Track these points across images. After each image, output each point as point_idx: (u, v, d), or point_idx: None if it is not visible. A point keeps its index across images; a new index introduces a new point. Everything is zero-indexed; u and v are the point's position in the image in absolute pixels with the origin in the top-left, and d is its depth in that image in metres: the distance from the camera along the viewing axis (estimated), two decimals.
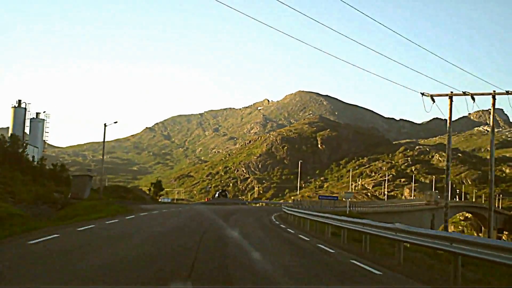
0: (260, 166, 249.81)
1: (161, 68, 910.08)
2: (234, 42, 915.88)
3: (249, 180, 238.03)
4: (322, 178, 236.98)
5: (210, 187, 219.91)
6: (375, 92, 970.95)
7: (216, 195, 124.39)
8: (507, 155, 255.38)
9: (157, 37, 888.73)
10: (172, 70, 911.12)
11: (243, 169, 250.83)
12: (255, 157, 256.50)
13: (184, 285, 11.07)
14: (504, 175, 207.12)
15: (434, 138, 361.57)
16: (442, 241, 13.78)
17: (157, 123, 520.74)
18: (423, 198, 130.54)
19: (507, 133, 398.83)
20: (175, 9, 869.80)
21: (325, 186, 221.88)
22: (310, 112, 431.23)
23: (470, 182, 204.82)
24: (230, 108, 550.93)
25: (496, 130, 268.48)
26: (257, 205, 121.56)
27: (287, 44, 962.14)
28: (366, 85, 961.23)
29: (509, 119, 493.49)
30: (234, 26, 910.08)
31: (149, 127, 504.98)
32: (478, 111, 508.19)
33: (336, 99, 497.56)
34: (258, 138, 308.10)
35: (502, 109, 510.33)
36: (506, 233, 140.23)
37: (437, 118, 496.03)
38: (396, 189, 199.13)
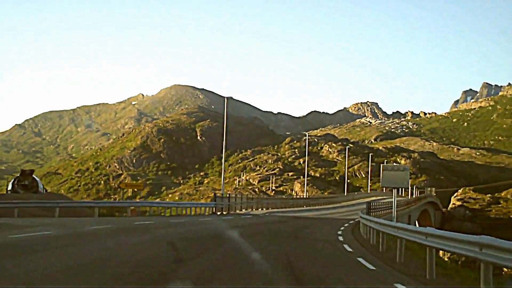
0: (134, 161, 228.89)
1: (31, 63, 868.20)
2: (106, 36, 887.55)
3: (122, 176, 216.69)
4: (202, 173, 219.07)
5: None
6: (253, 85, 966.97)
7: (9, 186, 57.52)
8: (401, 145, 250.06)
9: (26, 30, 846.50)
10: (42, 64, 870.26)
11: (116, 164, 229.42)
12: (128, 151, 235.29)
13: (183, 285, 11.46)
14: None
15: (315, 131, 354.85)
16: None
17: (27, 119, 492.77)
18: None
19: (390, 124, 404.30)
20: (36, 1, 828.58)
21: (205, 182, 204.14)
22: (186, 106, 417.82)
23: (364, 175, 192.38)
24: (103, 103, 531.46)
25: (378, 122, 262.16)
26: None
27: (160, 36, 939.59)
28: (243, 79, 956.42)
29: (386, 112, 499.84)
30: (103, 18, 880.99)
31: (19, 124, 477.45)
32: (357, 104, 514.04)
33: (213, 92, 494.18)
34: (132, 130, 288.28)
35: (377, 103, 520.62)
36: None
37: (315, 111, 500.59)
38: (285, 184, 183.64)
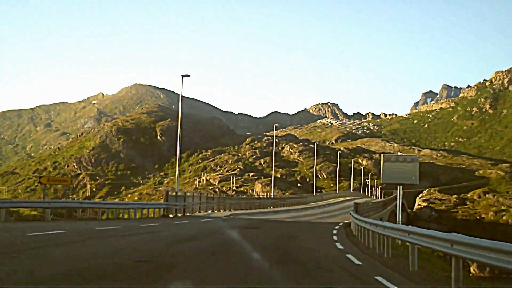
0: (93, 160, 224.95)
1: None
2: (66, 35, 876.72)
3: (80, 176, 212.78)
4: (162, 173, 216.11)
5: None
6: (214, 85, 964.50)
7: None
8: (362, 146, 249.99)
9: None
10: (0, 63, 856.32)
11: (74, 164, 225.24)
12: (87, 151, 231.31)
13: (183, 285, 11.31)
14: (360, 167, 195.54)
15: (276, 131, 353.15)
16: None
17: None
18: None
19: (350, 125, 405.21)
20: None
21: (165, 182, 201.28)
22: (147, 105, 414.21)
23: (325, 176, 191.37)
24: (63, 102, 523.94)
25: (339, 123, 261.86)
26: None
27: (121, 35, 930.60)
28: (204, 79, 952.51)
29: (347, 113, 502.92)
30: (63, 17, 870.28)
31: None
32: (318, 105, 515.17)
33: (174, 92, 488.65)
34: (91, 130, 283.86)
35: (337, 104, 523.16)
36: None
37: (276, 111, 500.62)
38: (245, 184, 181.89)
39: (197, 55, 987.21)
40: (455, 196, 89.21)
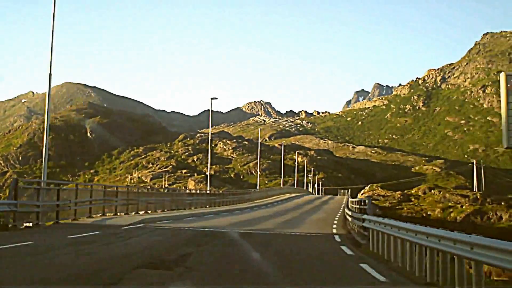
0: (21, 158, 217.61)
1: None
2: None
3: (7, 174, 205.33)
4: (92, 171, 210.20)
5: None
6: (146, 84, 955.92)
7: None
8: (296, 143, 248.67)
9: None
10: None
11: (1, 162, 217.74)
12: (15, 148, 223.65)
13: (183, 285, 10.73)
14: (296, 163, 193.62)
15: (209, 129, 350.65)
16: None
17: None
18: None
19: (284, 123, 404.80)
20: None
21: (95, 179, 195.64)
22: (78, 104, 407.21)
23: (260, 172, 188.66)
24: None
25: (272, 120, 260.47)
26: None
27: (51, 33, 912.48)
28: (136, 77, 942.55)
29: (280, 111, 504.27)
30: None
31: None
32: (250, 103, 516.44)
33: (105, 90, 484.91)
34: (19, 127, 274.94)
35: (270, 103, 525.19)
36: None
37: (208, 110, 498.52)
38: (178, 181, 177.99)
39: (131, 54, 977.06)
40: (399, 192, 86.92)
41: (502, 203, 70.22)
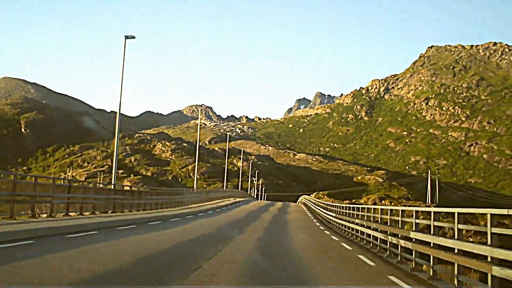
0: None
1: None
2: None
3: None
4: (25, 168, 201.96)
5: None
6: (88, 83, 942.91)
7: None
8: (236, 148, 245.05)
9: None
10: None
11: None
12: None
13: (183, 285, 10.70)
14: (236, 168, 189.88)
15: (149, 130, 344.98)
16: None
17: None
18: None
19: (225, 127, 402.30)
20: None
21: (28, 178, 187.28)
22: (14, 98, 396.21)
23: (198, 176, 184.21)
24: None
25: (213, 124, 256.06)
26: None
27: None
28: (77, 75, 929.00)
29: (221, 116, 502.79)
30: None
31: None
32: (191, 106, 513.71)
33: (45, 87, 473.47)
34: None
35: (211, 107, 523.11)
36: None
37: (149, 111, 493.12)
38: (152, 188, 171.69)
39: (72, 51, 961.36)
40: (347, 201, 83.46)
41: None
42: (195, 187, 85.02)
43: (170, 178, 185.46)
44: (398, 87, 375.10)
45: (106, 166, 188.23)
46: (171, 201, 53.85)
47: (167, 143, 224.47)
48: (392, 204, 74.09)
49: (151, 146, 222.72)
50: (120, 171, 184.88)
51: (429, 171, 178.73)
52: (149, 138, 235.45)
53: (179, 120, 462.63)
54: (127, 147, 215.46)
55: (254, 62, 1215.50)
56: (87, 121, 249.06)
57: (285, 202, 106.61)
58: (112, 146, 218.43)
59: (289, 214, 55.85)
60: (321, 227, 36.76)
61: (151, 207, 45.94)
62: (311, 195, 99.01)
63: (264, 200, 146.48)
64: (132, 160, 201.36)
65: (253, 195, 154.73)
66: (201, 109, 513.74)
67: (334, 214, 38.89)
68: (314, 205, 66.08)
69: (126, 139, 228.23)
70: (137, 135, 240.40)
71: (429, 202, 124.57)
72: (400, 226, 19.19)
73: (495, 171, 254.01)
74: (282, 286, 11.32)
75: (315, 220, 45.93)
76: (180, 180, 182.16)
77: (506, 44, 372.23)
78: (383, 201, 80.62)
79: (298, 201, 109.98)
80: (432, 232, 15.04)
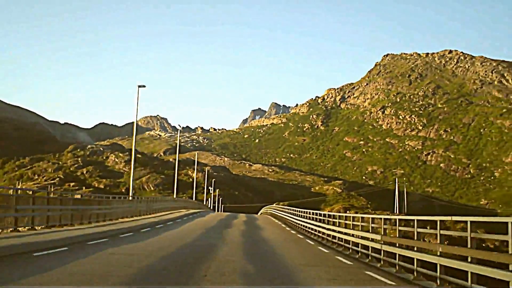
0: None
1: None
2: None
3: None
4: None
5: None
6: (39, 94, 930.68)
7: None
8: (192, 158, 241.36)
9: None
10: None
11: None
12: None
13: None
14: (191, 179, 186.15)
15: (103, 142, 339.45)
16: None
17: None
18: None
19: (180, 138, 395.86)
20: None
21: None
22: None
23: (152, 188, 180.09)
24: None
25: (167, 135, 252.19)
26: None
27: None
28: (29, 86, 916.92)
29: (176, 127, 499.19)
30: None
31: None
32: (146, 117, 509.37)
33: None
34: None
35: (166, 118, 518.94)
36: None
37: (103, 123, 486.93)
38: (65, 194, 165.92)
39: (24, 62, 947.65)
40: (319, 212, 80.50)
41: (428, 227, 64.49)
42: (130, 194, 59.51)
43: (123, 190, 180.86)
44: (354, 96, 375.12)
45: (58, 179, 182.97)
46: (85, 214, 35.11)
47: (120, 154, 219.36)
48: (358, 213, 71.60)
49: (104, 158, 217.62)
50: (72, 184, 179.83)
51: (396, 179, 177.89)
52: (101, 149, 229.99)
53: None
54: (79, 159, 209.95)
55: (209, 73, 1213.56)
56: (39, 132, 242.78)
57: (248, 214, 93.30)
58: (64, 158, 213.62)
59: (264, 231, 39.87)
60: (336, 255, 23.95)
61: (50, 222, 29.44)
62: (272, 205, 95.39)
63: (221, 211, 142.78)
64: (84, 172, 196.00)
65: (209, 206, 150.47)
66: (156, 120, 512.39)
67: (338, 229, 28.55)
68: (292, 215, 52.45)
69: (78, 150, 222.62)
70: (89, 146, 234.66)
71: (397, 212, 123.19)
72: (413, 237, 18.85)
73: (452, 180, 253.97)
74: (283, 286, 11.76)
75: (310, 241, 31.76)
76: (134, 192, 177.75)
77: (462, 52, 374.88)
78: (348, 211, 78.01)
79: (261, 212, 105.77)
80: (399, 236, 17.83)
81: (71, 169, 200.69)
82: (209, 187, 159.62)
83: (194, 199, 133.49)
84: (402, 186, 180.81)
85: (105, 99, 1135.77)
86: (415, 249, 16.89)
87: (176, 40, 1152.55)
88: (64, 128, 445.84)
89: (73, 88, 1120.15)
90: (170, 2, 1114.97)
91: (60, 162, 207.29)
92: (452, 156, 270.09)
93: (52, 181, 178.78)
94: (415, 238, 17.25)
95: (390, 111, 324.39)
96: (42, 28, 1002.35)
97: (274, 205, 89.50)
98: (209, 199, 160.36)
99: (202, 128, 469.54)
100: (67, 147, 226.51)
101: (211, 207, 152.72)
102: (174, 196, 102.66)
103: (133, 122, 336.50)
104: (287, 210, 61.50)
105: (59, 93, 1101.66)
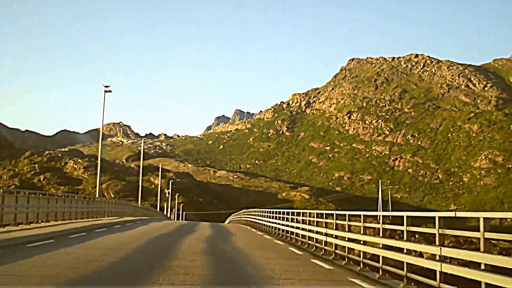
0: None
1: None
2: None
3: None
4: None
5: None
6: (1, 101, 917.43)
7: None
8: (154, 165, 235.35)
9: None
10: None
11: None
12: None
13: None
14: (153, 186, 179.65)
15: (64, 148, 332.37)
16: None
17: None
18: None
19: (143, 145, 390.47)
20: None
21: None
22: None
23: (113, 194, 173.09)
24: None
25: (130, 142, 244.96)
26: None
27: None
28: None
29: (139, 134, 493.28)
30: None
31: None
32: (109, 124, 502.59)
33: None
34: None
35: (130, 126, 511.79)
36: None
37: (65, 130, 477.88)
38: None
39: None
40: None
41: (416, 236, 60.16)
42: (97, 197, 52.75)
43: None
44: (320, 101, 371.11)
45: (13, 186, 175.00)
46: None
47: (79, 160, 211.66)
48: (329, 218, 65.91)
49: (62, 164, 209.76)
50: (28, 191, 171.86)
51: (379, 182, 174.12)
52: (60, 155, 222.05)
53: (96, 138, 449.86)
54: (36, 165, 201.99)
55: (173, 81, 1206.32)
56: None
57: (213, 223, 74.67)
58: (20, 164, 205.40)
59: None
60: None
61: None
62: (240, 212, 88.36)
63: (181, 219, 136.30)
64: (41, 178, 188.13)
65: (168, 215, 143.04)
66: (118, 127, 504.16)
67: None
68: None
69: (36, 156, 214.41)
70: (47, 152, 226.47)
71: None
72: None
73: (420, 185, 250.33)
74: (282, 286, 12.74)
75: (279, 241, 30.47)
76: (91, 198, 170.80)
77: (428, 56, 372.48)
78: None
79: (229, 220, 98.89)
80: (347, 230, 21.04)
81: (27, 175, 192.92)
82: (166, 190, 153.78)
83: (158, 207, 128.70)
84: (366, 192, 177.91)
85: (67, 106, 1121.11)
86: (346, 239, 20.51)
87: (139, 47, 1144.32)
88: (24, 136, 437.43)
89: (34, 95, 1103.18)
90: (133, 8, 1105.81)
91: (16, 169, 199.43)
92: (420, 161, 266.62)
93: (7, 189, 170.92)
94: (347, 230, 20.84)
95: (357, 116, 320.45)
96: None
97: (242, 211, 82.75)
98: (175, 206, 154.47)
99: (165, 134, 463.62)
100: (21, 152, 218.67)
101: (175, 216, 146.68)
102: (139, 203, 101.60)
103: (95, 129, 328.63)
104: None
105: (20, 99, 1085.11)
